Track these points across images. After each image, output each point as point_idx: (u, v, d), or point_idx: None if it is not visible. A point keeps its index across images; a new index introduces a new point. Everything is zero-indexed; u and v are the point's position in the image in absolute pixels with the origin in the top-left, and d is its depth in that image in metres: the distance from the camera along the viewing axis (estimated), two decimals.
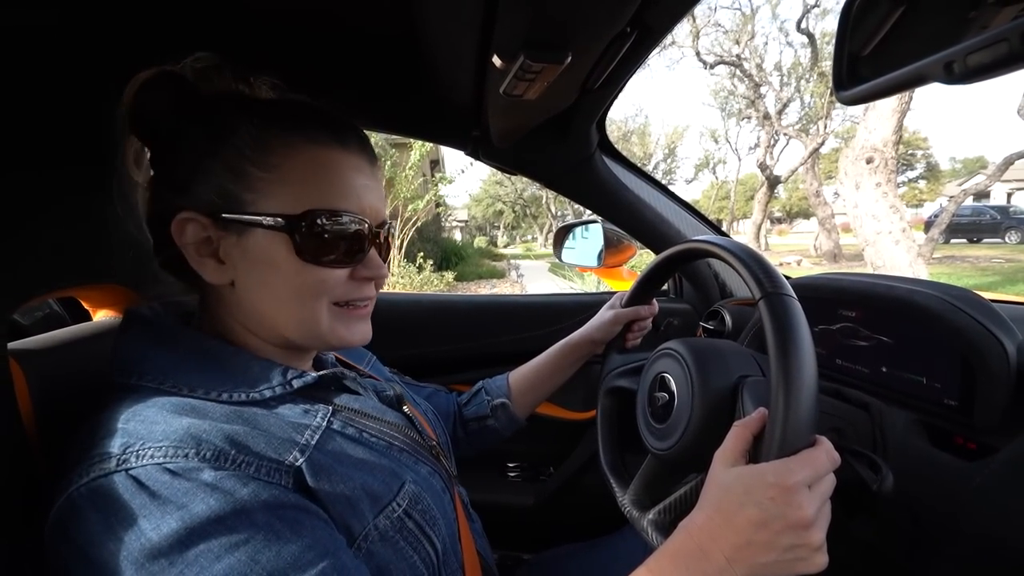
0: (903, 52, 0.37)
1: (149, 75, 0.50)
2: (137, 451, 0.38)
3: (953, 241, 16.59)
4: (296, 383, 0.49)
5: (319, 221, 0.47)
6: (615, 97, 0.84)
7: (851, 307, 0.74)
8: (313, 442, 0.46)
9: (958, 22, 0.35)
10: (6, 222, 0.46)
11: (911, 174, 29.65)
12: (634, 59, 0.65)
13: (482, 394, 0.87)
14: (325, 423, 0.49)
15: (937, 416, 0.63)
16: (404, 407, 0.63)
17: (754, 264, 0.55)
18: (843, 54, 0.41)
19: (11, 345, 0.48)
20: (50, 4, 0.52)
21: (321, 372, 0.53)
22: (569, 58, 0.54)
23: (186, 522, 0.36)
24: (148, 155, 0.54)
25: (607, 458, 0.80)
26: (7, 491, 0.41)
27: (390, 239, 0.57)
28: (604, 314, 0.86)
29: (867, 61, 0.41)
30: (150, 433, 0.39)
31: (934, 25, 0.38)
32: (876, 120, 5.00)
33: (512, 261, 17.43)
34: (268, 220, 0.47)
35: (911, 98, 5.23)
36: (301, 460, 0.44)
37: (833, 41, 0.44)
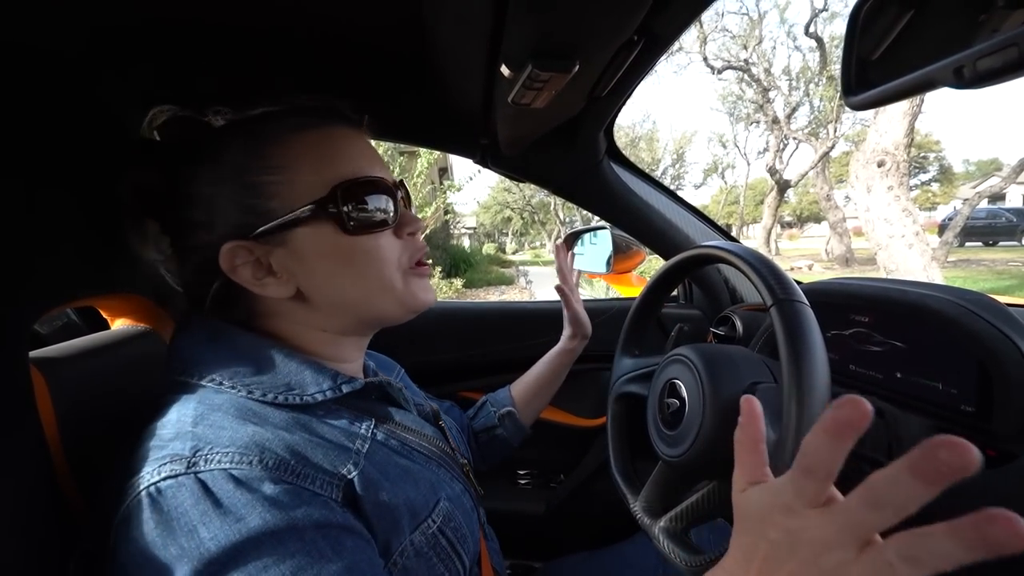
0: (912, 57, 0.37)
1: (136, 171, 0.52)
2: (206, 455, 0.40)
3: (968, 244, 16.34)
4: (345, 388, 0.50)
5: (346, 191, 0.48)
6: (623, 104, 0.84)
7: (863, 312, 0.73)
8: (364, 451, 0.48)
9: (968, 26, 0.35)
10: (30, 233, 0.48)
11: (924, 177, 29.29)
12: (641, 67, 0.65)
13: (488, 406, 0.90)
14: (370, 434, 0.50)
15: (954, 422, 0.62)
16: (440, 422, 0.66)
17: (765, 270, 0.54)
18: (851, 59, 0.41)
19: (32, 354, 0.49)
20: (69, 32, 0.54)
21: (368, 379, 0.54)
22: (577, 67, 0.54)
23: (242, 535, 0.37)
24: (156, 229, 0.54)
25: (618, 465, 0.79)
26: (31, 498, 0.41)
27: (403, 196, 0.56)
28: (565, 317, 0.92)
29: (876, 66, 0.40)
30: (218, 438, 0.41)
31: (944, 29, 0.38)
32: (887, 123, 4.95)
33: (521, 267, 17.44)
34: (302, 214, 0.47)
35: (922, 101, 5.18)
36: (354, 473, 0.45)
37: (841, 45, 0.44)
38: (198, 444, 0.40)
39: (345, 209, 0.48)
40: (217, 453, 0.40)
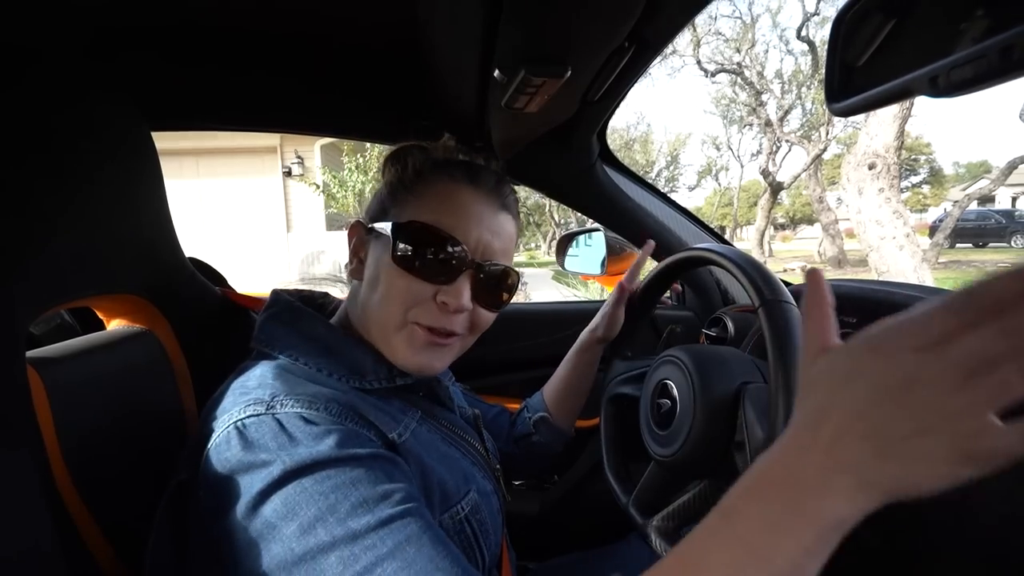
0: (894, 64, 0.38)
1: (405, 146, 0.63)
2: (282, 400, 0.47)
3: (958, 245, 16.49)
4: (399, 380, 0.56)
5: (416, 231, 0.54)
6: (615, 108, 0.85)
7: (851, 313, 0.74)
8: (410, 429, 0.54)
9: (949, 35, 0.36)
10: (25, 233, 0.48)
11: (915, 179, 29.56)
12: (633, 72, 0.66)
13: (524, 412, 0.89)
14: (416, 420, 0.56)
15: None
16: (479, 425, 0.69)
17: (753, 271, 0.56)
18: (835, 66, 0.42)
19: (29, 354, 0.49)
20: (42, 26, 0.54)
21: (419, 376, 0.58)
22: (569, 72, 0.55)
23: (312, 455, 0.43)
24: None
25: (611, 465, 0.80)
26: (29, 496, 0.42)
27: (508, 285, 0.60)
28: (605, 308, 0.86)
29: (859, 73, 0.41)
30: (292, 390, 0.48)
31: (926, 38, 0.39)
32: (878, 126, 5.00)
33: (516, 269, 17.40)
34: (386, 227, 0.55)
35: (912, 104, 5.24)
36: (400, 440, 0.51)
37: None
38: (275, 392, 0.48)
39: (403, 241, 0.54)
40: (291, 400, 0.47)
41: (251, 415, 0.46)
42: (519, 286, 0.62)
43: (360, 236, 0.60)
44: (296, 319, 0.57)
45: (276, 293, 0.61)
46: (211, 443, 0.46)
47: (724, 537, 0.33)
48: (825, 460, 0.30)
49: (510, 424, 0.88)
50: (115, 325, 0.65)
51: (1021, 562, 0.54)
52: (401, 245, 0.54)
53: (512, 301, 0.64)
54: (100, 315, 0.66)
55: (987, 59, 0.26)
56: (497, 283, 0.58)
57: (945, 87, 0.29)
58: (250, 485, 0.43)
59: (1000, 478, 0.56)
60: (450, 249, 0.54)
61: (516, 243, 0.64)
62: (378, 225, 0.57)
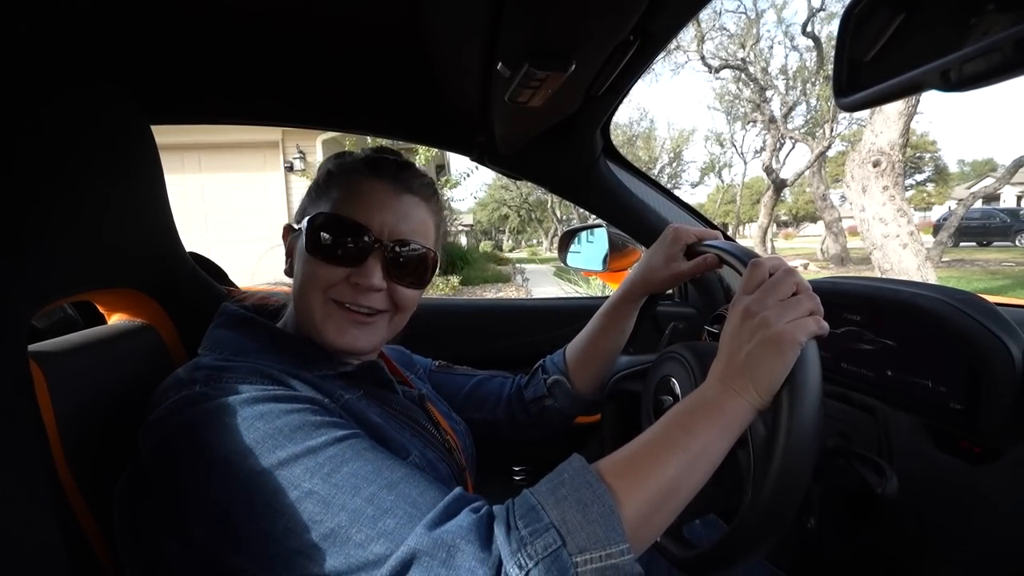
0: (903, 59, 0.37)
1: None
2: (225, 377, 0.50)
3: (962, 244, 16.44)
4: (341, 368, 0.60)
5: (325, 220, 0.59)
6: (619, 103, 0.85)
7: (855, 311, 0.74)
8: (343, 400, 0.57)
9: (959, 29, 0.36)
10: (28, 227, 0.48)
11: (919, 177, 29.41)
12: (637, 66, 0.66)
13: (539, 373, 0.82)
14: (357, 398, 0.59)
15: (943, 420, 0.63)
16: (426, 405, 0.70)
17: (742, 256, 0.55)
18: (843, 60, 0.41)
19: (31, 347, 0.49)
20: (28, 17, 0.54)
21: (359, 363, 0.62)
22: (573, 66, 0.55)
23: (257, 393, 0.48)
24: None
25: None
26: (31, 489, 0.42)
27: (424, 264, 0.63)
28: (667, 265, 0.71)
29: (867, 68, 0.41)
30: (223, 368, 0.51)
31: (935, 32, 0.38)
32: (883, 123, 4.98)
33: (517, 265, 17.44)
34: (304, 223, 0.60)
35: (918, 101, 5.21)
36: (340, 402, 0.56)
37: None
38: (216, 371, 0.51)
39: (313, 232, 0.59)
40: (225, 375, 0.50)
41: (185, 395, 0.48)
42: (437, 266, 0.66)
43: (289, 237, 0.65)
44: (240, 325, 0.60)
45: (225, 306, 0.63)
46: (153, 416, 0.48)
47: (663, 425, 0.50)
48: (724, 376, 0.50)
49: (517, 387, 0.83)
50: (116, 319, 0.65)
51: (1021, 560, 0.54)
52: (313, 236, 0.58)
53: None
54: (101, 309, 0.66)
55: (1001, 52, 0.26)
56: (411, 262, 0.62)
57: (957, 81, 0.29)
58: (205, 437, 0.45)
59: (1000, 479, 0.56)
60: (356, 234, 0.58)
61: (440, 223, 0.68)
62: (298, 224, 0.62)
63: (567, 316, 1.25)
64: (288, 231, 0.66)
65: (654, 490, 0.46)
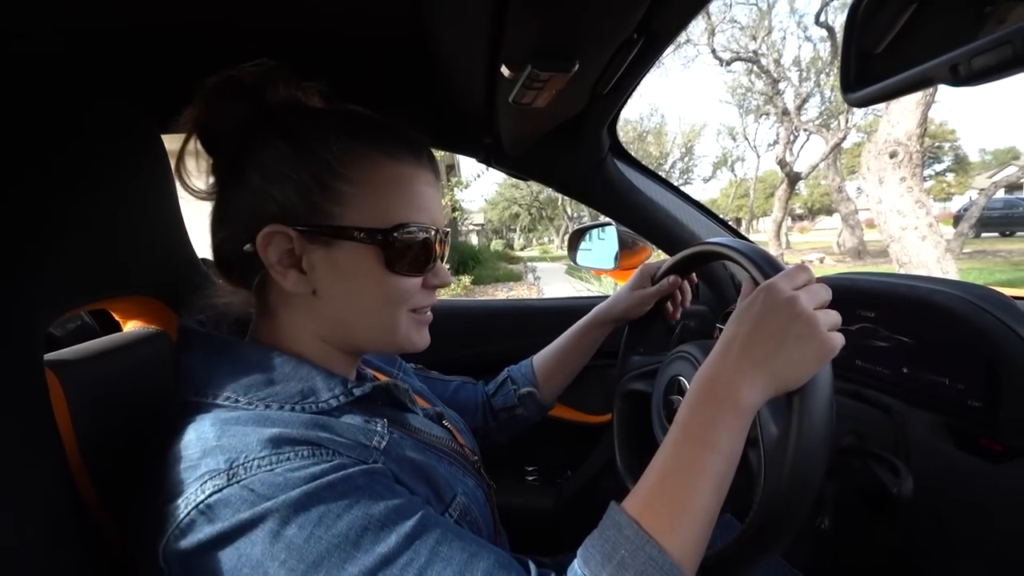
0: (913, 52, 0.36)
1: (217, 81, 0.51)
2: (243, 463, 0.41)
3: (984, 235, 16.03)
4: (356, 391, 0.51)
5: (406, 234, 0.50)
6: (626, 101, 0.84)
7: (870, 307, 0.73)
8: (383, 447, 0.49)
9: (973, 19, 0.35)
10: (44, 237, 0.49)
11: (938, 167, 28.72)
12: (643, 64, 0.65)
13: (508, 384, 0.86)
14: (387, 431, 0.51)
15: (961, 418, 0.62)
16: (444, 422, 0.65)
17: (764, 263, 0.55)
18: (850, 55, 0.40)
19: (47, 356, 0.50)
20: (66, 33, 0.55)
21: (376, 383, 0.54)
22: (576, 66, 0.55)
23: (304, 491, 0.40)
24: (210, 167, 0.54)
25: (623, 460, 0.80)
26: (49, 496, 0.43)
27: (445, 245, 0.59)
28: (623, 293, 0.84)
29: (876, 62, 0.40)
30: (247, 445, 0.42)
31: (948, 22, 0.37)
32: (899, 113, 4.87)
33: (529, 264, 17.43)
34: (360, 233, 0.49)
35: (935, 90, 5.09)
36: (382, 446, 0.48)
37: None
38: (231, 455, 0.41)
39: (396, 248, 0.50)
40: (253, 459, 0.41)
41: (212, 492, 0.40)
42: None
43: (287, 243, 0.49)
44: (223, 351, 0.50)
45: (183, 329, 0.52)
46: (170, 531, 0.40)
47: (685, 441, 0.47)
48: (739, 367, 0.47)
49: (485, 395, 0.86)
50: (131, 327, 0.67)
51: None
52: (390, 252, 0.50)
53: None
54: (116, 317, 0.67)
55: (1012, 45, 0.25)
56: (445, 243, 0.58)
57: (967, 75, 0.28)
58: (247, 551, 0.38)
59: (1021, 477, 0.55)
60: (430, 238, 0.52)
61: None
62: (333, 228, 0.48)
63: (580, 315, 1.25)
64: (285, 234, 0.48)
65: (702, 529, 0.44)
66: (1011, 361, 0.56)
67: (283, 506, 0.39)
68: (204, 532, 0.39)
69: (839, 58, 0.43)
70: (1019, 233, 16.10)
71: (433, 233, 0.53)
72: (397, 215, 0.50)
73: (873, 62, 0.41)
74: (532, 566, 0.45)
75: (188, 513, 0.39)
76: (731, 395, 0.46)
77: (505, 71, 0.57)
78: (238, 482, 0.40)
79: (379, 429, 0.50)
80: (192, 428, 0.44)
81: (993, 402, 0.58)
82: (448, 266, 0.62)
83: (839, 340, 0.47)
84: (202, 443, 0.42)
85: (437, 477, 0.53)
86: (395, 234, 0.49)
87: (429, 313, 0.57)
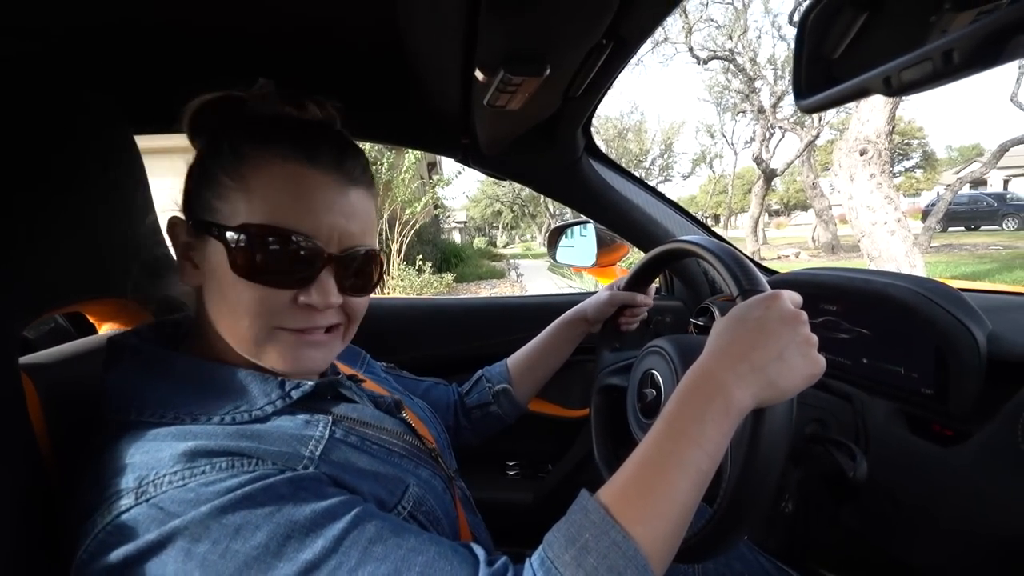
0: (859, 62, 0.39)
1: (208, 99, 0.53)
2: (153, 480, 0.39)
3: (951, 229, 16.58)
4: (295, 394, 0.49)
5: (255, 236, 0.46)
6: (598, 103, 0.86)
7: (832, 301, 0.76)
8: (318, 453, 0.46)
9: (918, 28, 0.37)
10: (17, 238, 0.48)
11: (907, 163, 29.58)
12: (613, 68, 0.67)
13: (483, 382, 0.88)
14: (328, 433, 0.49)
15: (915, 405, 0.66)
16: (403, 412, 0.63)
17: (732, 262, 0.57)
18: (801, 63, 0.42)
19: (21, 359, 0.50)
20: (37, 35, 0.54)
21: (317, 381, 0.52)
22: (548, 70, 0.56)
23: (222, 502, 0.38)
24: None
25: (601, 453, 0.82)
26: (24, 502, 0.43)
27: (373, 267, 0.54)
28: (601, 294, 0.87)
29: (825, 70, 0.42)
30: (159, 461, 0.40)
31: (896, 31, 0.40)
32: (869, 112, 5.01)
33: (511, 261, 17.45)
34: (215, 229, 0.47)
35: None
36: (312, 466, 0.45)
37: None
38: (141, 473, 0.39)
39: (242, 250, 0.46)
40: (164, 475, 0.39)
41: (120, 512, 0.38)
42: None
43: (184, 234, 0.50)
44: (151, 364, 0.48)
45: (112, 343, 0.50)
46: (80, 552, 0.38)
47: (668, 434, 0.46)
48: (734, 368, 0.47)
49: (461, 393, 0.87)
50: (107, 329, 0.66)
51: (987, 535, 0.56)
52: (244, 255, 0.46)
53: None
54: (92, 319, 0.67)
55: (932, 62, 0.27)
56: (362, 268, 0.52)
57: (897, 87, 0.30)
58: (159, 572, 0.37)
59: (968, 459, 0.58)
60: (301, 246, 0.46)
61: (378, 212, 0.56)
62: (205, 223, 0.47)
63: (561, 311, 1.27)
64: (179, 227, 0.50)
65: (676, 523, 0.44)
66: (958, 351, 0.60)
67: (192, 523, 0.37)
68: (114, 554, 0.37)
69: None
70: (983, 227, 16.69)
71: (302, 239, 0.46)
72: (259, 215, 0.46)
73: (823, 69, 0.43)
74: (480, 551, 0.45)
75: (96, 535, 0.38)
76: (723, 394, 0.46)
77: (479, 75, 0.59)
78: (147, 500, 0.38)
79: (318, 431, 0.48)
80: (109, 447, 0.42)
81: (943, 389, 0.61)
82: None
83: (824, 362, 0.49)
84: (114, 462, 0.41)
85: (384, 471, 0.51)
86: (241, 234, 0.46)
87: (321, 335, 0.51)
